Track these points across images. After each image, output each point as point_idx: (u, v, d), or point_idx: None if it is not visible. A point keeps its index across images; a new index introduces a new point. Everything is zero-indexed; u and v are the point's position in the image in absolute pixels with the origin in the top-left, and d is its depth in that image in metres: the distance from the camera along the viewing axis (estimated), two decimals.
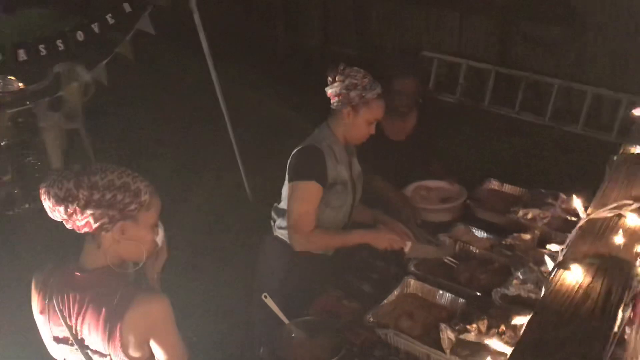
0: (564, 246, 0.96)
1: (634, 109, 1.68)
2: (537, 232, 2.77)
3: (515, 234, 2.74)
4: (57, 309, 1.68)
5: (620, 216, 1.03)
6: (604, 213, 1.03)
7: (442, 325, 2.10)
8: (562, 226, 2.85)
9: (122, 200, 1.59)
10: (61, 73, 5.27)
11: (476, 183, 3.34)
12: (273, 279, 2.57)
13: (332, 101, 2.39)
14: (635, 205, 1.03)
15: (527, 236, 2.72)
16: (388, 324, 2.25)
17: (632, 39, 5.36)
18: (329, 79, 2.36)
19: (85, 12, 7.24)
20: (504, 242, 2.72)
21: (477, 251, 2.66)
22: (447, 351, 2.05)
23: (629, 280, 0.87)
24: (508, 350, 0.90)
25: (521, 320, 0.87)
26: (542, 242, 2.74)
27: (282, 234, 2.53)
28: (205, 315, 3.73)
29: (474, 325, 2.09)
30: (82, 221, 1.59)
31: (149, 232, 1.69)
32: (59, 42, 3.68)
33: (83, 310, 1.65)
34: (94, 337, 1.67)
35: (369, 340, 2.27)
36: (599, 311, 0.80)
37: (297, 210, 2.34)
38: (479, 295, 2.35)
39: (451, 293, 2.36)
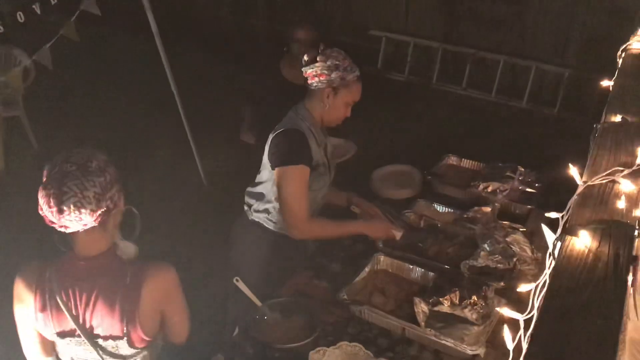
0: (563, 213, 0.98)
1: (602, 81, 1.74)
2: (497, 204, 2.84)
3: (476, 208, 2.80)
4: (61, 302, 1.64)
5: (614, 182, 1.07)
6: (599, 180, 1.06)
7: (416, 299, 2.14)
8: (521, 198, 2.94)
9: (114, 174, 1.63)
10: None
11: (431, 159, 3.39)
12: (247, 262, 2.55)
13: (310, 81, 2.35)
14: (626, 172, 1.07)
15: (488, 209, 2.79)
16: (362, 300, 2.26)
17: (573, 16, 5.52)
18: (306, 59, 2.32)
19: None
20: (465, 216, 2.78)
21: (443, 225, 2.71)
22: (422, 324, 2.09)
23: (633, 243, 0.91)
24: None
25: (526, 288, 0.89)
26: (502, 214, 2.82)
27: (259, 217, 2.50)
28: None
29: (447, 297, 2.13)
30: (98, 213, 1.59)
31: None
32: None
33: (93, 298, 1.66)
34: (107, 322, 1.67)
35: (342, 318, 2.29)
36: (611, 274, 0.82)
37: (290, 196, 2.29)
38: (448, 268, 2.40)
39: (421, 267, 2.40)
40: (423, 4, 6.37)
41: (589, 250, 0.88)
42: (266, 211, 2.48)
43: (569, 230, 0.93)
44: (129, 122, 5.67)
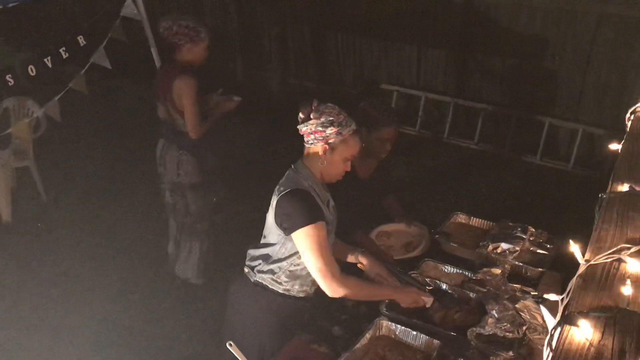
0: (563, 296, 0.89)
1: (611, 143, 1.66)
2: (507, 266, 2.73)
3: (485, 269, 2.69)
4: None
5: (620, 261, 0.97)
6: (603, 259, 0.96)
7: None
8: (532, 260, 2.83)
9: None
10: (10, 108, 5.09)
11: (440, 216, 3.30)
12: (244, 325, 2.45)
13: (306, 139, 2.29)
14: (634, 249, 0.98)
15: (497, 271, 2.68)
16: None
17: (587, 71, 5.49)
18: (301, 116, 2.27)
19: (38, 46, 7.06)
20: (474, 277, 2.67)
21: (450, 289, 2.60)
22: None
23: None
24: None
25: None
26: (512, 276, 2.71)
27: (263, 278, 2.41)
28: None
29: None
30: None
31: None
32: (8, 77, 3.51)
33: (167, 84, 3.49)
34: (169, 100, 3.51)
35: None
36: None
37: (318, 255, 2.20)
38: (454, 336, 2.28)
39: (425, 334, 2.28)
40: (435, 59, 6.40)
41: (590, 344, 0.78)
42: (271, 272, 2.39)
43: (568, 318, 0.84)
44: (136, 175, 5.67)
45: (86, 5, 8.40)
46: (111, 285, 4.19)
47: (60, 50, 3.69)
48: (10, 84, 3.55)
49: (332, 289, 2.25)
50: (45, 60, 3.64)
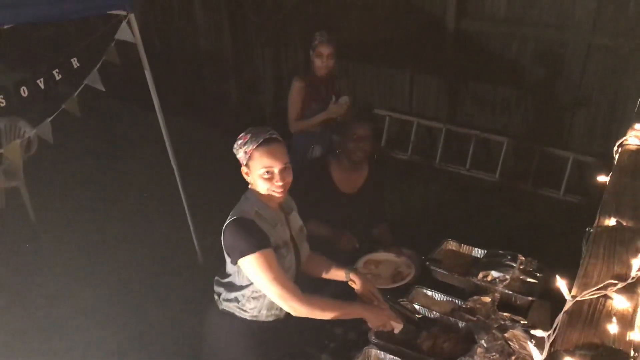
0: (549, 332, 0.88)
1: (598, 175, 1.66)
2: (497, 295, 2.72)
3: (476, 297, 2.69)
4: None
5: (606, 297, 0.97)
6: (589, 295, 0.96)
7: None
8: (521, 288, 2.83)
9: None
10: (2, 129, 5.08)
11: (431, 243, 3.29)
12: (223, 356, 2.41)
13: None
14: (620, 285, 0.98)
15: (487, 299, 2.67)
16: None
17: (576, 101, 5.54)
18: None
19: (31, 68, 7.07)
20: (464, 306, 2.66)
21: (439, 317, 2.58)
22: None
23: None
24: None
25: None
26: (502, 304, 2.70)
27: (229, 306, 2.38)
28: None
29: None
30: None
31: None
32: (0, 98, 3.49)
33: None
34: None
35: None
36: None
37: (267, 282, 2.17)
38: None
39: None
40: (427, 85, 6.45)
41: None
42: (235, 299, 2.35)
43: (554, 356, 0.83)
44: (127, 197, 5.65)
45: (81, 28, 8.44)
46: (98, 309, 4.14)
47: (54, 72, 3.68)
48: (1, 104, 3.54)
49: (295, 310, 2.22)
50: (38, 81, 3.63)
